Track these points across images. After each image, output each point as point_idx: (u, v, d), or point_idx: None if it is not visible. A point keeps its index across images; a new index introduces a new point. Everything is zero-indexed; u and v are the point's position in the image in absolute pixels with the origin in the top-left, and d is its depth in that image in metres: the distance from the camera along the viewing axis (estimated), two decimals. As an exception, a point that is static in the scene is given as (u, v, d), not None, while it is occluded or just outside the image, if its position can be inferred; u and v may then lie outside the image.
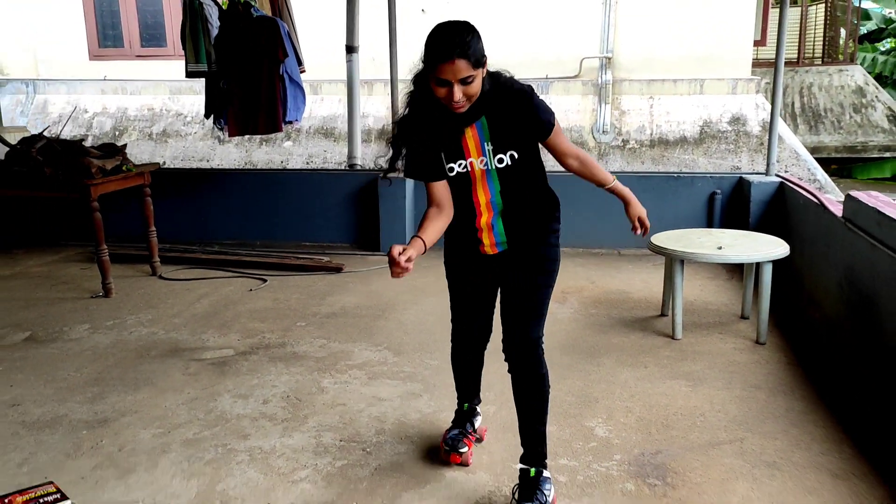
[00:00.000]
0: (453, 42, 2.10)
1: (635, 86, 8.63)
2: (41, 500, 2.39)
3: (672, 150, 8.34)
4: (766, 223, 5.49)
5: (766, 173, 5.76)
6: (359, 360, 3.88)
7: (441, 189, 2.41)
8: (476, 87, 2.18)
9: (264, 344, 4.11)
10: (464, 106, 2.21)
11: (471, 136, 2.35)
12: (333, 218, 6.14)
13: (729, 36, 8.24)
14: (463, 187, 2.42)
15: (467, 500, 2.59)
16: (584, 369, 3.72)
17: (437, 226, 2.40)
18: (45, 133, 5.19)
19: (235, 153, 9.30)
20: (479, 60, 2.15)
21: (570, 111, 8.76)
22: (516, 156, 2.34)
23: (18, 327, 4.43)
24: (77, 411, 3.32)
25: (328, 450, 2.96)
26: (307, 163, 9.20)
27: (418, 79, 2.28)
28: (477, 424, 2.96)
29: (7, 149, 5.05)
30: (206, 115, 5.62)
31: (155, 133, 9.44)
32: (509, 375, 2.55)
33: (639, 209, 2.63)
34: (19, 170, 4.83)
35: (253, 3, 5.31)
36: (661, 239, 4.25)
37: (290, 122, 5.52)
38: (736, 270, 5.42)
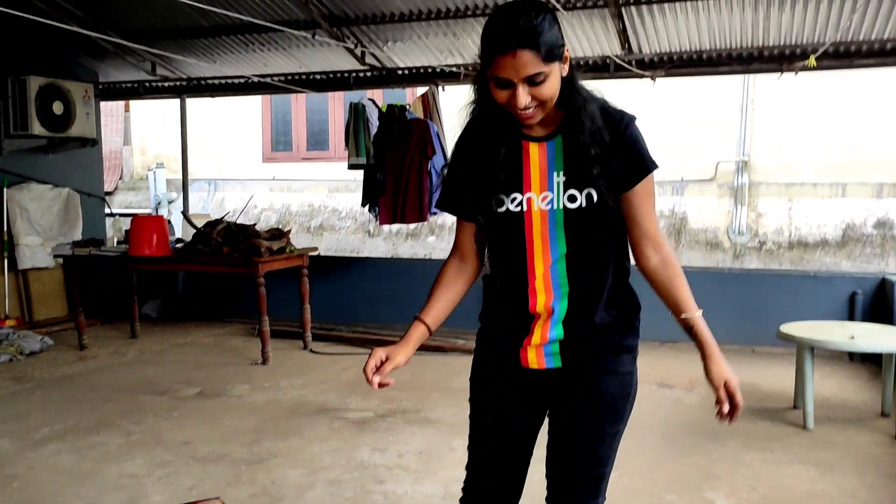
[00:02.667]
0: (515, 27, 1.53)
1: (773, 188, 8.63)
2: (210, 509, 2.77)
3: (812, 252, 8.20)
4: (912, 324, 5.31)
5: (912, 274, 5.62)
6: (487, 427, 4.11)
7: (470, 236, 1.85)
8: (551, 88, 1.59)
9: (401, 409, 4.44)
10: (534, 115, 1.62)
11: (536, 160, 1.70)
12: (469, 305, 6.49)
13: (873, 139, 8.16)
14: (513, 240, 1.73)
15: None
16: (708, 448, 3.77)
17: (452, 291, 1.88)
18: (226, 219, 5.96)
19: (383, 246, 10.01)
20: (552, 51, 1.56)
21: (705, 212, 8.85)
22: (595, 198, 1.66)
23: (190, 384, 5.02)
24: (237, 451, 3.75)
25: (455, 497, 3.18)
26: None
27: (479, 81, 1.71)
28: None
29: (194, 230, 5.83)
30: (363, 204, 6.27)
31: (313, 226, 10.37)
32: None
33: (725, 372, 1.67)
34: (203, 248, 5.57)
35: (408, 107, 5.97)
36: (791, 328, 4.28)
37: (434, 214, 6.03)
38: (878, 371, 5.24)
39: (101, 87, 7.73)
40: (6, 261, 6.74)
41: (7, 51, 6.76)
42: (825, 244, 8.27)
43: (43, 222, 6.99)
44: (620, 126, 1.68)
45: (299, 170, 10.57)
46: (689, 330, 1.72)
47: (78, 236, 7.10)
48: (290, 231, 6.02)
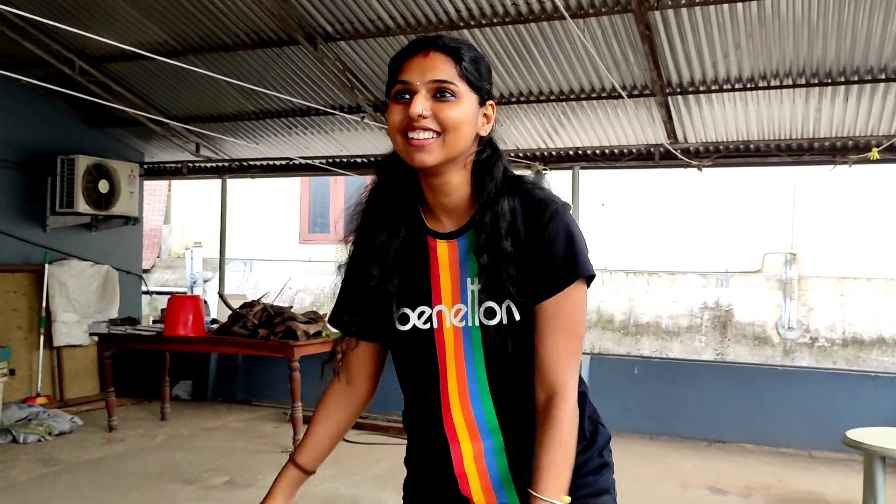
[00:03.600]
0: (435, 36, 1.31)
1: (824, 282, 8.37)
2: None
3: (868, 350, 7.85)
4: (985, 432, 4.96)
5: (981, 377, 5.30)
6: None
7: (363, 354, 1.49)
8: (459, 116, 1.27)
9: None
10: (429, 147, 1.26)
11: (446, 262, 1.34)
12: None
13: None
14: (423, 366, 1.36)
15: None
16: (774, 566, 3.46)
17: (334, 423, 1.52)
18: (262, 300, 5.87)
19: (417, 332, 9.83)
20: (473, 76, 1.29)
21: (752, 305, 8.58)
22: (517, 314, 1.29)
23: (219, 472, 4.83)
24: (266, 551, 3.53)
25: None
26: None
27: (385, 163, 1.41)
28: None
29: (230, 311, 5.75)
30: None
31: (347, 310, 10.27)
32: None
33: None
34: (238, 330, 5.46)
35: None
36: (859, 434, 3.98)
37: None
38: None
39: (145, 166, 7.86)
40: (42, 337, 6.70)
41: (58, 130, 6.92)
42: (882, 342, 7.93)
43: (81, 299, 6.97)
44: (542, 217, 1.29)
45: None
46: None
47: (114, 314, 7.07)
48: (325, 315, 5.91)
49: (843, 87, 4.93)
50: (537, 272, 1.27)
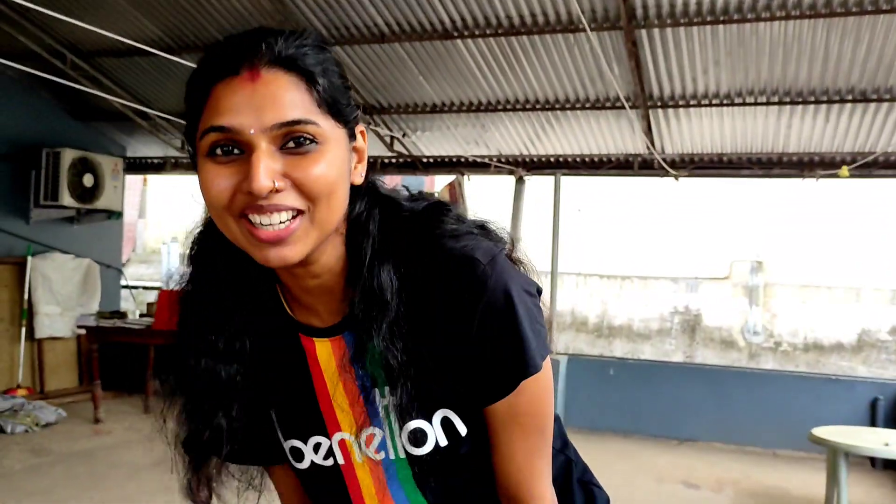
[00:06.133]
0: (258, 37, 0.81)
1: (787, 290, 8.75)
2: None
3: (828, 355, 8.24)
4: (936, 433, 5.29)
5: (933, 382, 5.64)
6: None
7: (290, 481, 1.05)
8: (328, 172, 0.80)
9: None
10: (287, 233, 0.80)
11: (332, 371, 0.92)
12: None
13: (888, 244, 8.32)
14: None
15: None
16: (747, 554, 3.70)
17: None
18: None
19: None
20: (336, 99, 0.82)
21: (719, 311, 8.93)
22: (461, 426, 0.91)
23: (210, 463, 4.93)
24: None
25: None
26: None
27: (203, 240, 0.95)
28: None
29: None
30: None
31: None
32: None
33: None
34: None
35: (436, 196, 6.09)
36: (824, 432, 4.26)
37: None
38: (904, 479, 5.20)
39: (127, 161, 7.88)
40: (23, 329, 6.71)
41: (43, 123, 6.93)
42: (841, 348, 8.32)
43: (63, 292, 6.99)
44: (467, 290, 0.85)
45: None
46: None
47: (96, 307, 7.10)
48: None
49: (812, 107, 5.22)
50: (474, 368, 0.86)
